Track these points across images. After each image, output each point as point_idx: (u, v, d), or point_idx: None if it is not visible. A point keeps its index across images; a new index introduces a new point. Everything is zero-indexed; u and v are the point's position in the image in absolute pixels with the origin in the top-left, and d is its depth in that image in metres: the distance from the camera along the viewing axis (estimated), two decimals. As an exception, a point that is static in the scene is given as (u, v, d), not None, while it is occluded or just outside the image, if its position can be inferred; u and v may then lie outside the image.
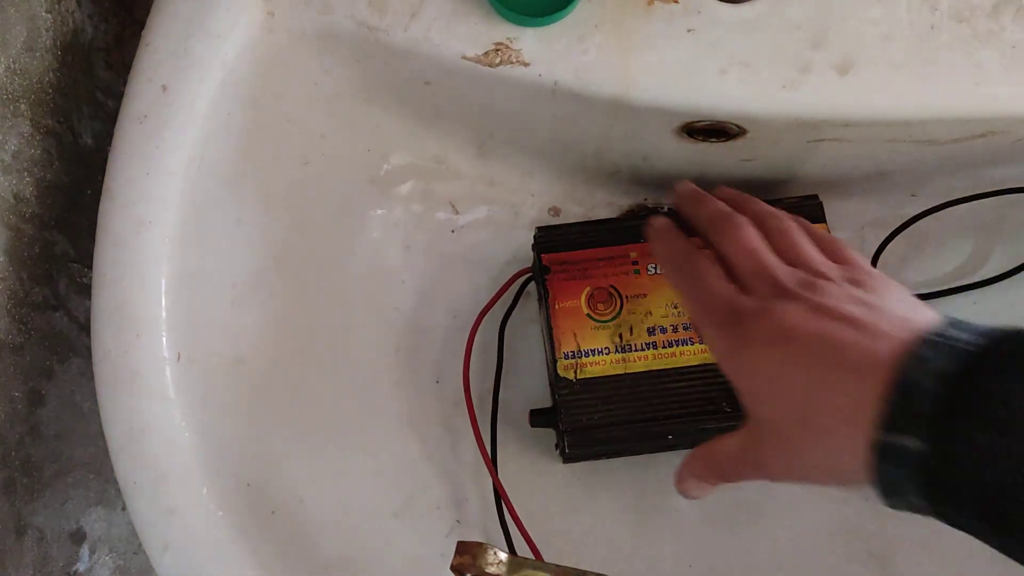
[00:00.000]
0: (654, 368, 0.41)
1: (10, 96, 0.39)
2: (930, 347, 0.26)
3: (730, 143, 0.43)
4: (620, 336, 0.42)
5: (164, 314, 0.38)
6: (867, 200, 0.48)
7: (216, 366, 0.40)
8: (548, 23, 0.40)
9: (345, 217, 0.47)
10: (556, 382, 0.41)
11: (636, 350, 0.42)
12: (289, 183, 0.44)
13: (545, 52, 0.40)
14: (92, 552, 0.49)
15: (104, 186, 0.38)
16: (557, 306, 0.42)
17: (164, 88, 0.39)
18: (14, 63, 0.39)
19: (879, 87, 0.39)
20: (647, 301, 0.43)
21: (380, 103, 0.45)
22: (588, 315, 0.42)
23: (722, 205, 0.37)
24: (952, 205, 0.45)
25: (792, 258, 0.33)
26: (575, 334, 0.42)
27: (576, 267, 0.43)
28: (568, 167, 0.49)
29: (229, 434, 0.39)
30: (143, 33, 0.40)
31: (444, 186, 0.49)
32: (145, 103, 0.39)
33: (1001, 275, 0.46)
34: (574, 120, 0.44)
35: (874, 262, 0.47)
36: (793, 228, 0.35)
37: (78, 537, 0.48)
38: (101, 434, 0.37)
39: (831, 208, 0.46)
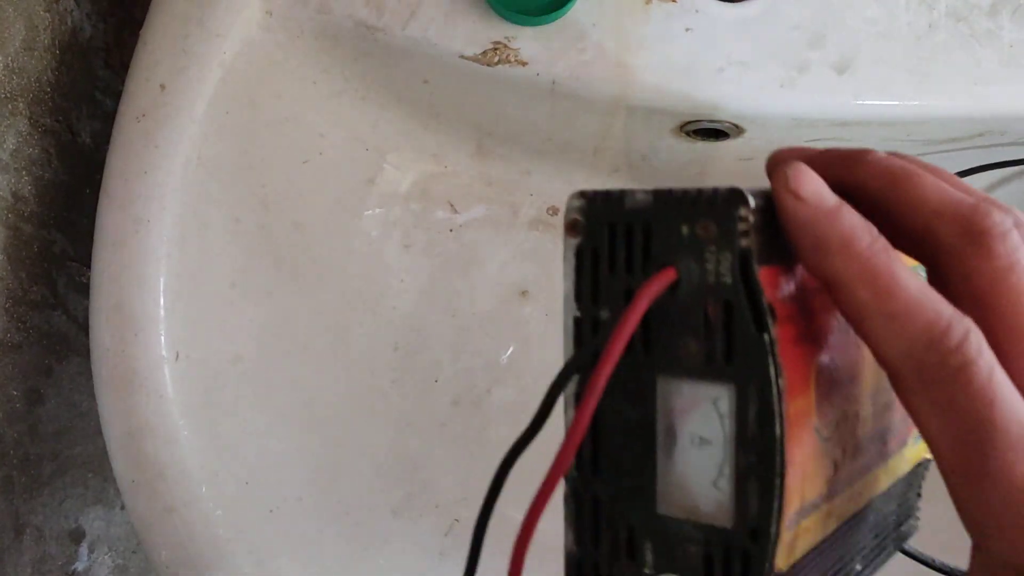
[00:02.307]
0: (850, 512, 0.22)
1: (8, 95, 0.39)
2: None
3: (728, 142, 0.43)
4: (835, 465, 0.20)
5: (162, 313, 0.38)
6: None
7: (214, 365, 0.40)
8: (546, 22, 0.40)
9: (343, 216, 0.47)
10: None
11: (841, 489, 0.21)
12: (287, 182, 0.44)
13: (543, 51, 0.40)
14: (91, 551, 0.49)
15: (102, 185, 0.38)
16: (791, 409, 0.18)
17: (162, 87, 0.39)
18: (12, 62, 0.39)
19: (877, 86, 0.39)
20: (864, 379, 0.22)
21: (378, 102, 0.45)
22: (817, 429, 0.19)
23: (953, 188, 0.20)
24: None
25: None
26: (804, 473, 0.19)
27: (806, 307, 0.20)
28: (567, 166, 0.49)
29: (227, 433, 0.39)
30: (141, 32, 0.40)
31: (442, 185, 0.49)
32: (143, 102, 0.39)
33: None
34: (572, 119, 0.44)
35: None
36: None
37: (77, 536, 0.48)
38: (100, 433, 0.37)
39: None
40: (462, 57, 0.40)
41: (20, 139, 0.40)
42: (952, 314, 0.17)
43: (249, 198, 0.43)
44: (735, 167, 0.46)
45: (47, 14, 0.42)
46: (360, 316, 0.47)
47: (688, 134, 0.43)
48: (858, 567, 0.23)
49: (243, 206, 0.42)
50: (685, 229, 0.18)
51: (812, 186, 0.19)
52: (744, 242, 0.18)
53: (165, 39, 0.39)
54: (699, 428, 0.18)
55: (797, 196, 0.19)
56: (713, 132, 0.43)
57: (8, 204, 0.40)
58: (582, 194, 0.20)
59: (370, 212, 0.48)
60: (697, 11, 0.40)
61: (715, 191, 0.18)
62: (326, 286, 0.46)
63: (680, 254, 0.18)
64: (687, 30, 0.39)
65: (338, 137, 0.46)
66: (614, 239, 0.19)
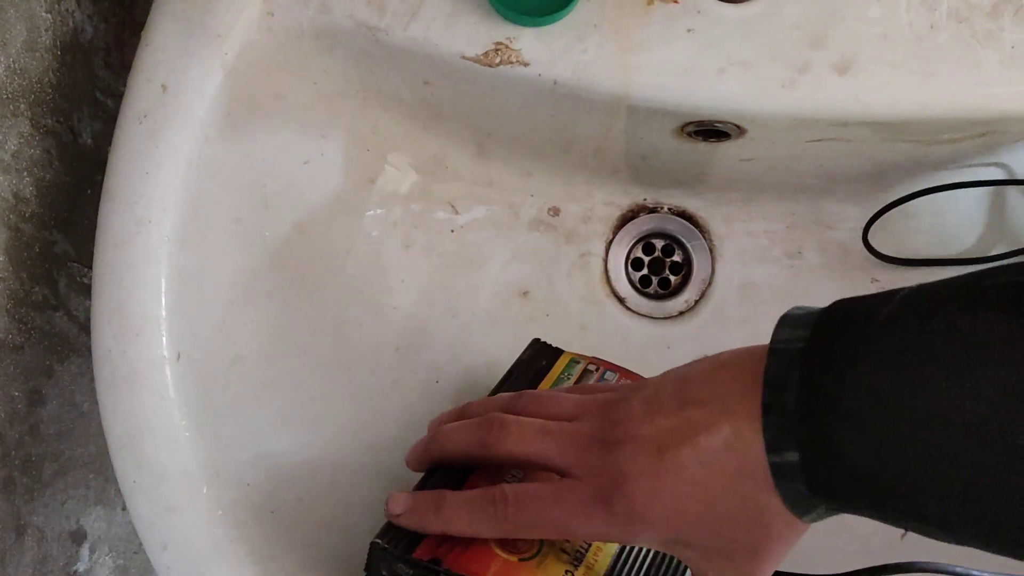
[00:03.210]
0: (606, 565, 0.34)
1: (10, 96, 0.39)
2: (773, 360, 0.26)
3: (729, 143, 0.43)
4: (563, 550, 0.34)
5: (164, 313, 0.38)
6: (865, 200, 0.48)
7: (215, 365, 0.40)
8: (548, 23, 0.40)
9: (344, 216, 0.47)
10: None
11: (583, 555, 0.34)
12: (288, 182, 0.44)
13: (544, 52, 0.40)
14: (92, 552, 0.49)
15: (104, 186, 0.38)
16: (492, 574, 0.32)
17: (164, 88, 0.39)
18: (14, 63, 0.39)
19: (878, 87, 0.39)
20: None
21: (379, 103, 0.46)
22: (520, 560, 0.32)
23: (463, 425, 0.34)
24: (945, 190, 0.45)
25: (570, 413, 0.32)
26: None
27: (461, 538, 0.33)
28: (567, 167, 0.49)
29: (228, 433, 0.39)
30: (143, 33, 0.40)
31: (443, 186, 0.49)
32: (145, 103, 0.39)
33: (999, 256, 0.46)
34: (573, 120, 0.44)
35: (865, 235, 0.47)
36: (534, 392, 0.34)
37: (78, 537, 0.48)
38: (101, 433, 0.37)
39: (829, 208, 0.46)
40: (463, 58, 0.40)
41: (22, 140, 0.41)
42: (483, 493, 0.31)
43: (250, 199, 0.43)
44: (736, 168, 0.46)
45: (48, 15, 0.42)
46: (361, 316, 0.47)
47: (689, 135, 0.43)
48: None
49: (244, 207, 0.42)
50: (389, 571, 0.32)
51: (393, 508, 0.32)
52: (401, 554, 0.31)
53: (167, 40, 0.39)
54: None
55: (391, 517, 0.32)
56: (714, 132, 0.43)
57: (9, 205, 0.40)
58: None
59: (371, 212, 0.48)
60: (699, 12, 0.40)
61: (370, 545, 0.32)
62: (327, 286, 0.46)
63: None
64: (688, 31, 0.40)
65: (339, 138, 0.46)
66: None
